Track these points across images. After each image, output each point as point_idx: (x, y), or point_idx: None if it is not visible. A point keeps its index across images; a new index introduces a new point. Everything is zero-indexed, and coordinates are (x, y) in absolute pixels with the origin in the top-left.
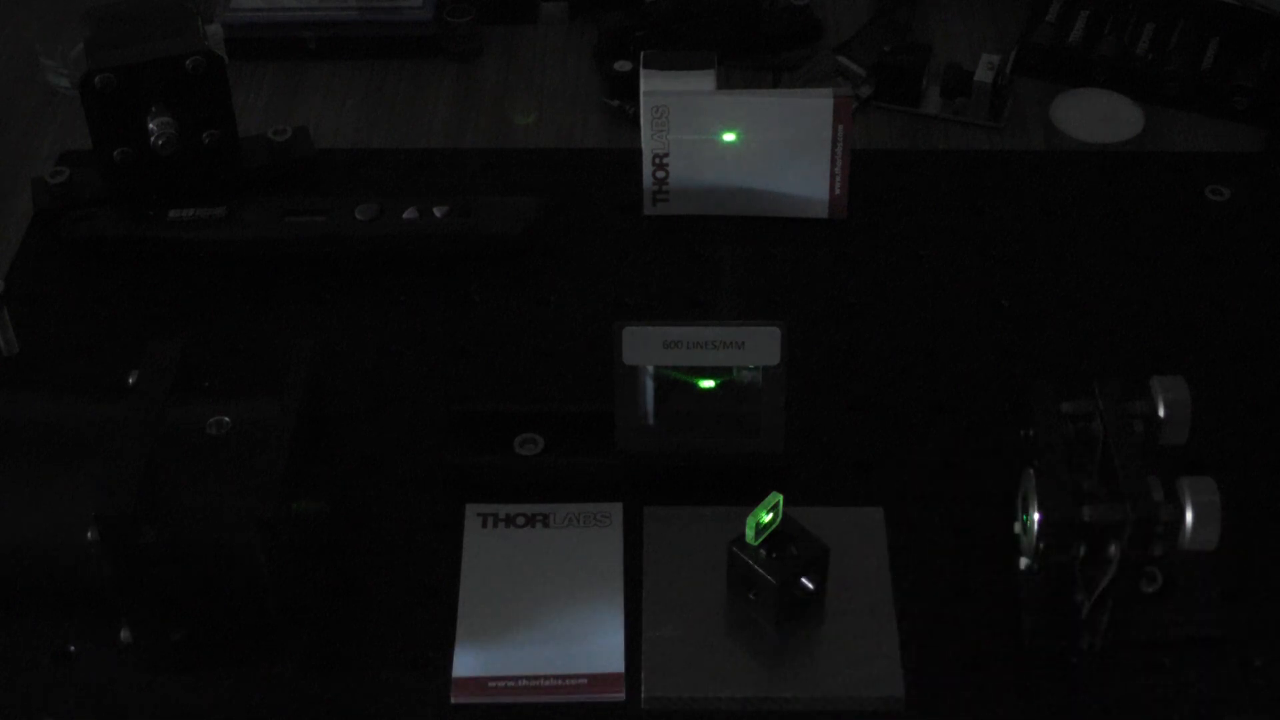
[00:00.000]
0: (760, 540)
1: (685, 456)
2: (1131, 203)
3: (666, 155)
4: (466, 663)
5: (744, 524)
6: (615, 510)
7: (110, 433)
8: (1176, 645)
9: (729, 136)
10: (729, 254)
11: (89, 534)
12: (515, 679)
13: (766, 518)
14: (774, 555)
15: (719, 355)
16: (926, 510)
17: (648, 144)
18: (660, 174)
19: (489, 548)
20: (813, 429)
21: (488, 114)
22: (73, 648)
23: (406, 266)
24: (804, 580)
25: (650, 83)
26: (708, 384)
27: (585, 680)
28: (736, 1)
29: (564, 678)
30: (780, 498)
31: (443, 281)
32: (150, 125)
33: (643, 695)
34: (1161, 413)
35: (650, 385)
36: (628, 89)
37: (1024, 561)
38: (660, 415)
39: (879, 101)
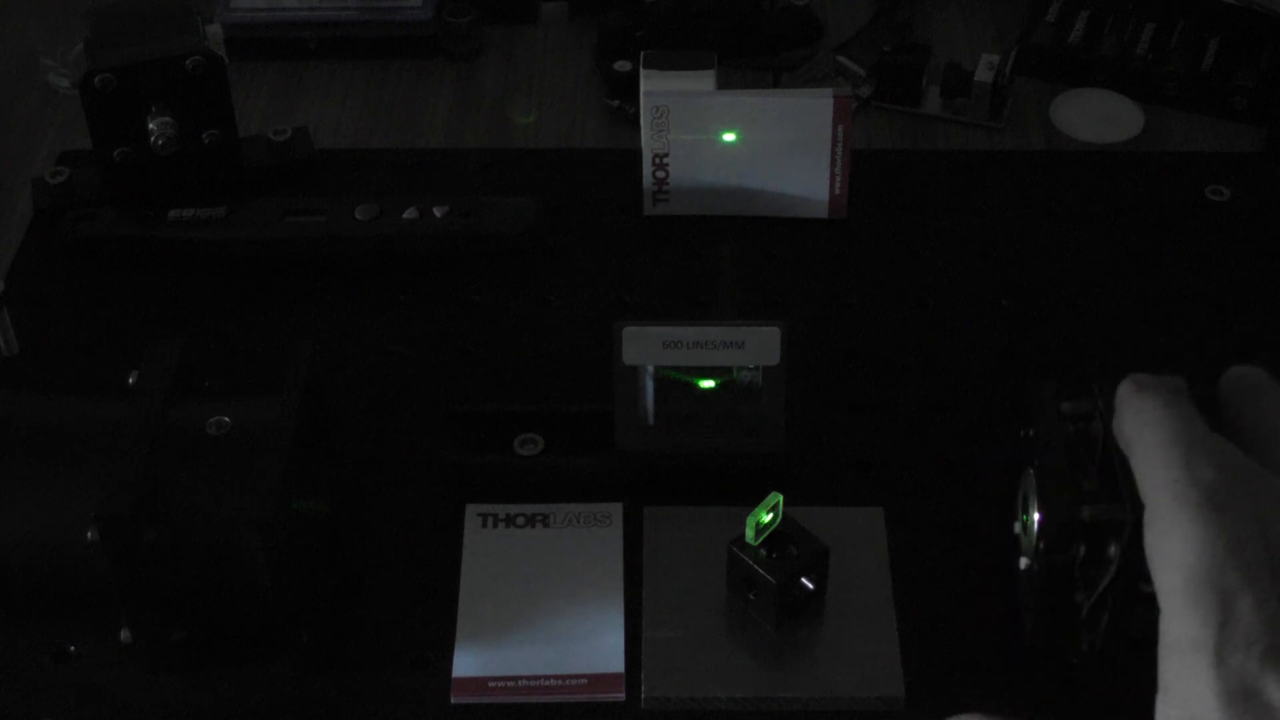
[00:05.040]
0: (760, 540)
1: (685, 456)
2: (1131, 203)
3: (666, 155)
4: (466, 663)
5: (744, 524)
6: (615, 510)
7: (110, 433)
8: None
9: (729, 136)
10: (729, 254)
11: (89, 534)
12: (515, 679)
13: (766, 518)
14: (774, 555)
15: (719, 355)
16: (926, 510)
17: (648, 144)
18: (660, 174)
19: (489, 548)
20: (813, 429)
21: (488, 114)
22: (73, 648)
23: (406, 266)
24: (804, 580)
25: (650, 83)
26: (708, 384)
27: (585, 680)
28: (736, 1)
29: (564, 678)
30: (780, 498)
31: (443, 281)
32: (150, 125)
33: (643, 695)
34: None
35: (650, 385)
36: (628, 89)
37: (1024, 561)
38: (660, 415)
39: (879, 101)
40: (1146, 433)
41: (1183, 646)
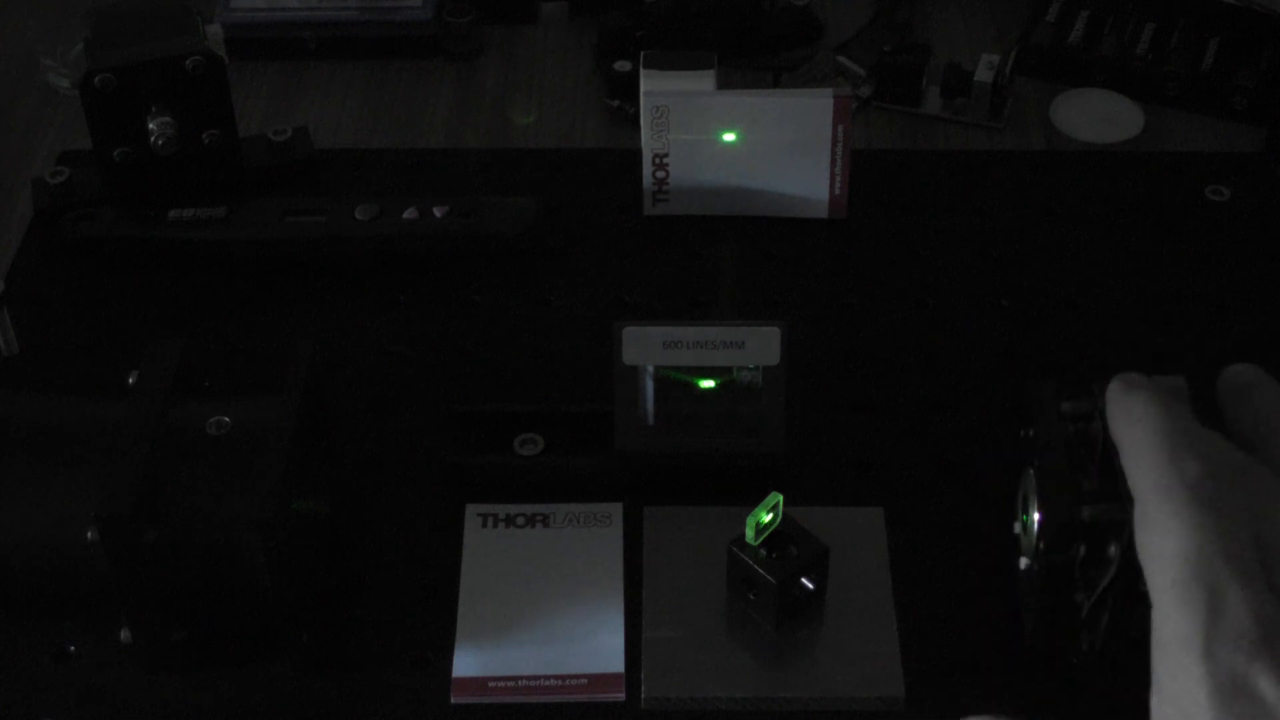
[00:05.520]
0: (760, 540)
1: (685, 456)
2: (1131, 203)
3: (666, 155)
4: (466, 663)
5: (744, 524)
6: (615, 510)
7: (110, 433)
8: None
9: (729, 136)
10: (729, 254)
11: (89, 534)
12: (515, 679)
13: (766, 518)
14: (774, 555)
15: (719, 355)
16: (926, 510)
17: (648, 144)
18: (660, 174)
19: (489, 548)
20: (813, 429)
21: (488, 114)
22: (73, 648)
23: (406, 266)
24: (804, 580)
25: (650, 83)
26: (708, 384)
27: (585, 680)
28: (736, 1)
29: (564, 678)
30: (780, 498)
31: (443, 281)
32: (150, 125)
33: (643, 695)
34: None
35: (650, 385)
36: (628, 89)
37: (1024, 561)
38: (660, 415)
39: (879, 101)
40: (1134, 430)
41: (1173, 643)
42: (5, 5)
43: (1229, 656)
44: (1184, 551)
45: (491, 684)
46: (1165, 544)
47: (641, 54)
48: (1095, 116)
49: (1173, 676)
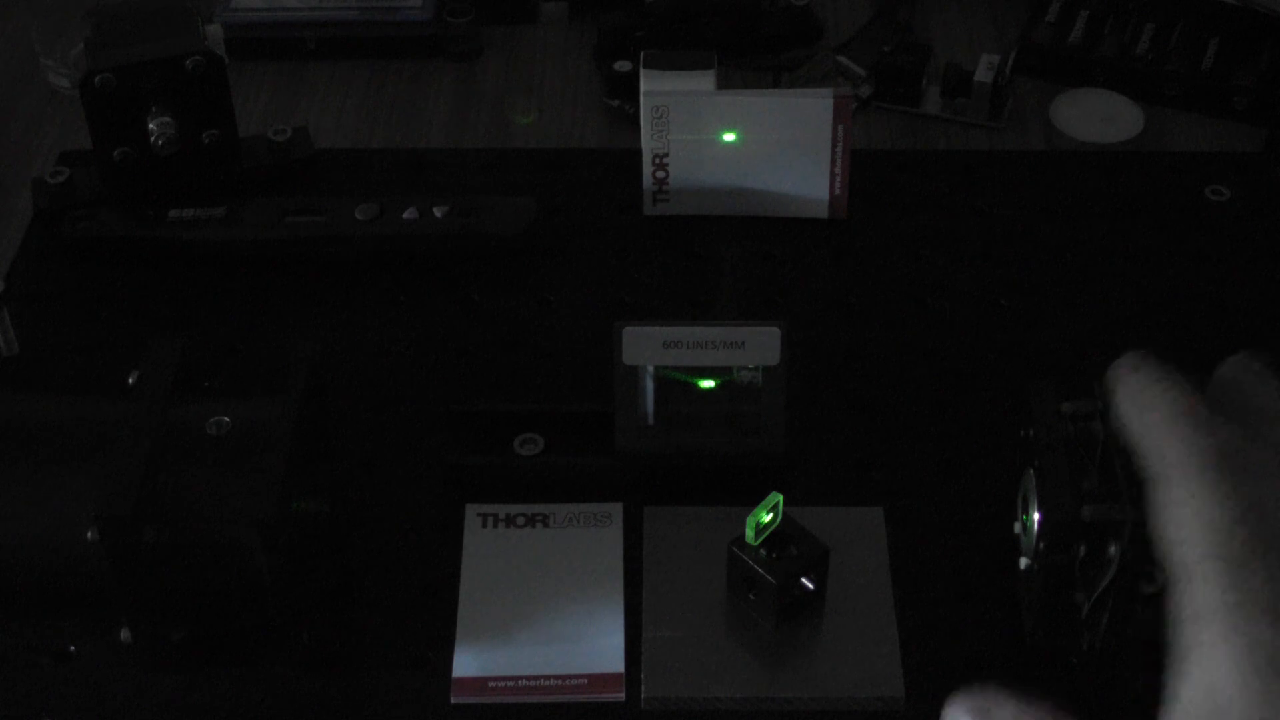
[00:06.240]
0: (760, 540)
1: (685, 456)
2: (1131, 203)
3: (666, 155)
4: (466, 663)
5: (744, 524)
6: (615, 510)
7: (110, 433)
8: None
9: (729, 136)
10: (729, 254)
11: (89, 534)
12: (515, 679)
13: (766, 518)
14: (774, 555)
15: (719, 355)
16: (926, 510)
17: (648, 144)
18: (660, 174)
19: (489, 548)
20: (813, 429)
21: (488, 114)
22: (73, 648)
23: (406, 266)
24: (804, 580)
25: (650, 83)
26: (708, 384)
27: (585, 680)
28: (736, 1)
29: (564, 678)
30: (780, 498)
31: (443, 281)
32: (150, 125)
33: (643, 695)
34: None
35: (650, 385)
36: (628, 89)
37: (1024, 561)
38: (660, 415)
39: (879, 101)
40: (1150, 409)
41: (1201, 616)
42: (5, 5)
43: (1262, 630)
44: (1218, 522)
45: (491, 684)
46: (1198, 518)
47: (641, 54)
48: (1095, 116)
49: (1199, 648)
